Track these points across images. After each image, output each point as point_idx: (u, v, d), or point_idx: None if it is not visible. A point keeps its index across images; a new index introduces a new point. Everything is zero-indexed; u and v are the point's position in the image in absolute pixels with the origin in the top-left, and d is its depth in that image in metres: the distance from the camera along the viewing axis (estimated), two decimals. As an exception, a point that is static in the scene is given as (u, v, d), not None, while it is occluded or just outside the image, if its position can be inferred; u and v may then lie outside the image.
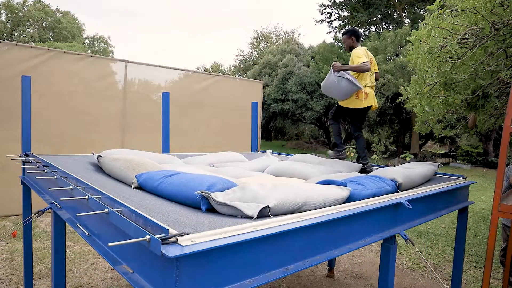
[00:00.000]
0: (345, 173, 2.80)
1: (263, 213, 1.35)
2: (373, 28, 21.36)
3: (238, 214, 1.37)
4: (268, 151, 4.02)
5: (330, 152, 3.48)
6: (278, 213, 1.40)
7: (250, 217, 1.32)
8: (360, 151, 3.37)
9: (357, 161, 3.31)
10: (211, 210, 1.46)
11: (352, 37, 3.43)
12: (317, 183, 1.89)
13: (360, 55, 3.21)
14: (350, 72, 3.19)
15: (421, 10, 18.99)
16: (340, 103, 3.34)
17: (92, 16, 63.54)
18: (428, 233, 5.26)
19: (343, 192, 1.69)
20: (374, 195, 1.89)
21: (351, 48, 3.41)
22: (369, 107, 3.28)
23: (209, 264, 1.01)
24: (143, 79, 6.62)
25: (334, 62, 3.21)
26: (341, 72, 3.15)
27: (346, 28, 3.57)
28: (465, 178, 2.81)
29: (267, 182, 1.73)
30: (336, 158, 3.36)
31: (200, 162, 3.14)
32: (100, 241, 1.44)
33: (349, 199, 1.72)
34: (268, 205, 1.36)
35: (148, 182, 1.83)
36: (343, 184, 1.80)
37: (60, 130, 5.57)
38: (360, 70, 3.16)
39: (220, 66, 34.99)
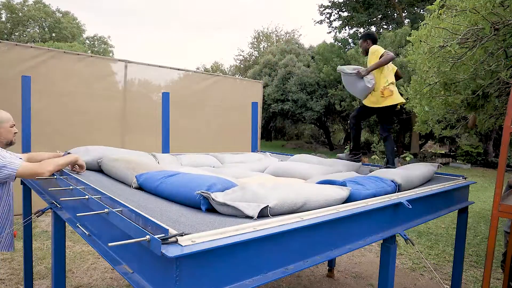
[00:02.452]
0: (345, 172, 2.80)
1: (263, 213, 1.35)
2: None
3: (238, 214, 1.37)
4: (268, 153, 4.01)
5: (342, 155, 3.47)
6: (278, 213, 1.40)
7: (250, 217, 1.32)
8: (388, 154, 3.24)
9: (385, 166, 3.21)
10: (211, 210, 1.46)
11: (367, 40, 3.45)
12: (317, 183, 1.89)
13: (378, 49, 3.25)
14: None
15: (421, 10, 18.99)
16: (365, 102, 3.33)
17: (92, 16, 63.59)
18: (428, 233, 5.25)
19: (343, 192, 1.69)
20: (374, 195, 1.89)
21: (367, 52, 3.40)
22: (395, 105, 3.26)
23: (209, 264, 1.01)
24: (143, 79, 6.62)
25: (360, 69, 3.20)
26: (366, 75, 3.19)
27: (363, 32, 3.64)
28: (465, 178, 2.81)
29: (267, 182, 1.73)
30: (349, 160, 3.32)
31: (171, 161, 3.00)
32: (100, 241, 1.44)
33: (349, 199, 1.72)
34: (268, 205, 1.36)
35: (148, 182, 1.83)
36: (343, 184, 1.80)
37: (60, 130, 5.56)
38: (386, 61, 3.13)
39: (220, 66, 34.98)
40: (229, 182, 1.68)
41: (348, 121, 3.46)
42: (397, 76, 3.39)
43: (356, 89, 3.30)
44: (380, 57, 3.18)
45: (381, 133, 3.33)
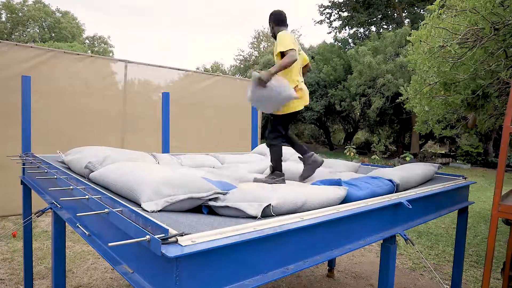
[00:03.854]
0: (344, 173, 2.80)
1: (265, 213, 1.35)
2: (373, 28, 21.36)
3: (239, 215, 1.37)
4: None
5: (263, 178, 2.48)
6: (280, 212, 1.40)
7: (252, 218, 1.32)
8: (273, 161, 2.56)
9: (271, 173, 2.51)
10: (211, 211, 1.46)
11: (270, 23, 2.71)
12: (313, 183, 1.91)
13: (285, 39, 2.46)
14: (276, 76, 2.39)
15: (421, 10, 18.99)
16: (277, 112, 2.55)
17: (91, 15, 63.54)
18: (428, 233, 5.25)
19: (341, 191, 1.70)
20: (372, 196, 1.89)
21: (275, 36, 2.61)
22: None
23: (209, 264, 1.01)
24: (143, 79, 6.62)
25: (259, 73, 2.34)
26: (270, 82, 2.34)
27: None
28: (465, 178, 2.81)
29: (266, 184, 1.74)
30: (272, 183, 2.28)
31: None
32: (100, 241, 1.44)
33: (346, 199, 1.73)
34: (270, 204, 1.35)
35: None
36: (338, 182, 1.82)
37: (60, 130, 5.56)
38: (289, 63, 2.35)
39: (220, 66, 34.97)
40: (229, 184, 1.69)
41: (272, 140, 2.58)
42: (306, 68, 2.80)
43: (269, 103, 2.44)
44: (282, 55, 2.41)
45: (270, 137, 2.57)
